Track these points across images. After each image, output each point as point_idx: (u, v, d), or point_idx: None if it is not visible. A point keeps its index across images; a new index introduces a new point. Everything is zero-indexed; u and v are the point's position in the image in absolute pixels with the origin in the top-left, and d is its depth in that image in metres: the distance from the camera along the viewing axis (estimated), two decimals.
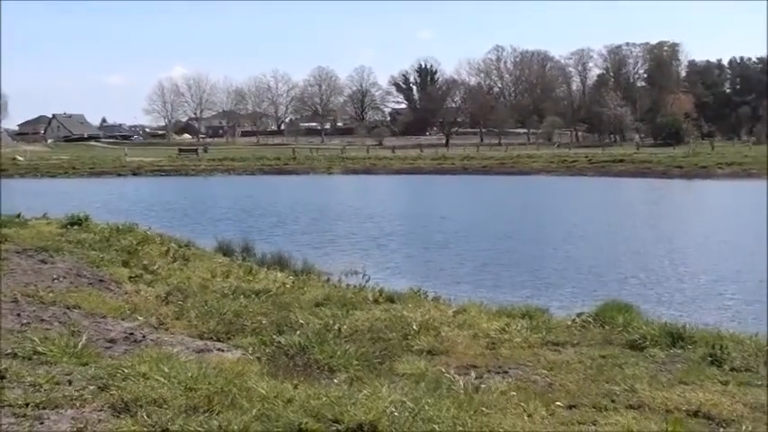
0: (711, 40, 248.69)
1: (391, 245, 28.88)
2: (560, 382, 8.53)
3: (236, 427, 5.80)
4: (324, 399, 6.61)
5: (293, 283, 15.39)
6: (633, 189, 62.94)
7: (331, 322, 10.74)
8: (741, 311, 16.55)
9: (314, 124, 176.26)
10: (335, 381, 7.74)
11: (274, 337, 9.83)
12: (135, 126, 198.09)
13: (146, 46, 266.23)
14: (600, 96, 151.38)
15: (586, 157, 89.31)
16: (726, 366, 9.23)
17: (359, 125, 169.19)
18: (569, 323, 11.68)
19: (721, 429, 6.85)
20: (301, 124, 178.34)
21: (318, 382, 7.71)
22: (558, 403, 7.47)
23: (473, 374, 8.42)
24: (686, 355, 9.83)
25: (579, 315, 12.14)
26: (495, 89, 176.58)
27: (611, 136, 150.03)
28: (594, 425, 6.79)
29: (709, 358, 9.49)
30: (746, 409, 7.53)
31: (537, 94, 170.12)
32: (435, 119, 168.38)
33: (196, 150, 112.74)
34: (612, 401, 7.71)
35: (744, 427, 6.80)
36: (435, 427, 5.94)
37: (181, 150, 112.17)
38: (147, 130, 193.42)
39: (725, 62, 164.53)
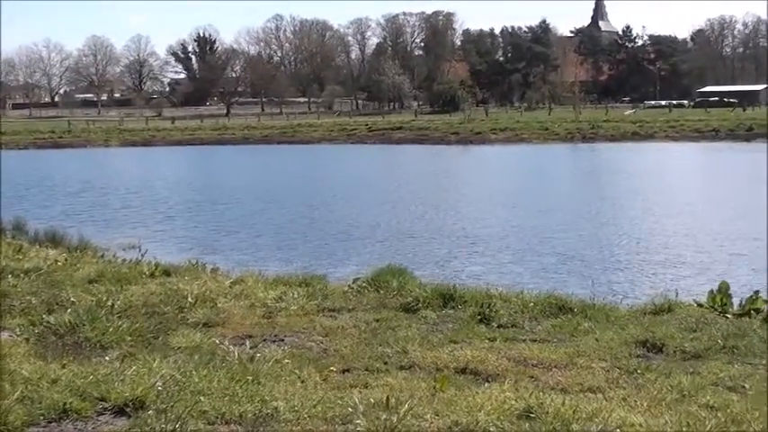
0: (485, 10, 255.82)
1: (169, 217, 28.50)
2: (335, 347, 8.62)
3: None
4: (91, 377, 6.46)
5: (66, 260, 14.87)
6: (411, 155, 64.32)
7: (104, 299, 10.43)
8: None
9: (90, 95, 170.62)
10: (107, 358, 7.56)
11: (44, 316, 9.49)
12: None
13: None
14: (378, 65, 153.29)
15: (366, 125, 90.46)
16: (494, 324, 9.55)
17: (137, 96, 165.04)
18: (346, 289, 11.76)
19: (486, 384, 7.09)
20: (77, 96, 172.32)
21: (89, 360, 7.52)
22: (331, 368, 7.53)
23: (248, 344, 8.39)
24: (457, 314, 10.11)
25: (355, 281, 12.25)
26: (276, 58, 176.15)
27: (391, 104, 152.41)
28: (366, 387, 6.89)
29: (479, 317, 9.78)
30: (511, 364, 7.84)
31: (317, 63, 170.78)
32: (215, 89, 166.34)
33: None
34: (385, 363, 7.86)
35: (507, 381, 7.08)
36: (202, 398, 5.91)
37: None
38: None
39: (497, 31, 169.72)
